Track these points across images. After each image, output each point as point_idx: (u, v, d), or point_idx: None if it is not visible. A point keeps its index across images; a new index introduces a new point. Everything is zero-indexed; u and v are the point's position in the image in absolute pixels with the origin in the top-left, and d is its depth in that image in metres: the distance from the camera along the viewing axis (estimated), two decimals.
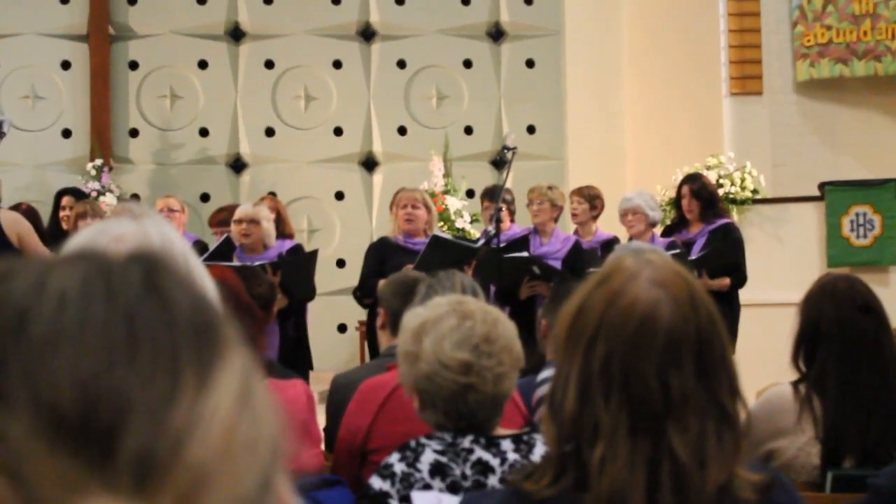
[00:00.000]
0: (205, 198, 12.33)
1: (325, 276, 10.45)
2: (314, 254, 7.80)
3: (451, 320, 2.86)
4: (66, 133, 12.51)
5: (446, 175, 11.81)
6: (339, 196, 12.61)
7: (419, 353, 2.85)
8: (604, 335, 1.77)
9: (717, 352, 1.82)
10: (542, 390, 4.20)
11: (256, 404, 0.70)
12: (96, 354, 0.66)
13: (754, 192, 10.78)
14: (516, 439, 2.88)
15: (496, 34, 12.86)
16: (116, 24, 12.57)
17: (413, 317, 2.93)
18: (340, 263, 12.26)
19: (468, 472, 2.81)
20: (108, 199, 11.34)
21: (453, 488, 2.78)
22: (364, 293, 7.64)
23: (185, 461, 0.66)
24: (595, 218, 8.70)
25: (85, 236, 1.77)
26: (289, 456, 0.72)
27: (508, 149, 8.34)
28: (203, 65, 12.62)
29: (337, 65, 12.73)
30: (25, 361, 0.66)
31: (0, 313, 0.67)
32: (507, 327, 2.90)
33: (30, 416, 0.64)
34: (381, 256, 7.71)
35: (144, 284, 0.69)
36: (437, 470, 2.80)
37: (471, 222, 11.26)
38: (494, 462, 2.83)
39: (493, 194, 9.08)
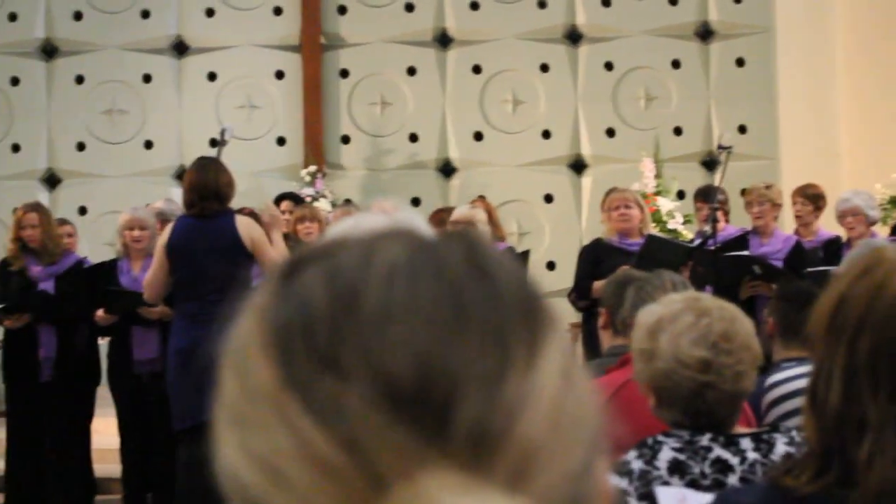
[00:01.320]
0: (415, 202, 12.47)
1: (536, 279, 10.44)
2: (526, 254, 7.82)
3: (688, 317, 2.82)
4: (281, 141, 12.82)
5: (657, 176, 11.71)
6: (549, 199, 12.61)
7: (655, 351, 2.83)
8: (869, 328, 1.73)
9: None
10: (774, 394, 4.12)
11: (578, 383, 0.70)
12: (428, 329, 0.67)
13: None
14: (756, 438, 2.83)
15: (705, 33, 12.69)
16: (328, 34, 12.83)
17: (648, 314, 2.91)
18: (551, 266, 12.25)
19: (707, 470, 2.77)
20: (322, 205, 11.56)
21: (692, 486, 2.75)
22: (580, 295, 7.63)
23: (516, 435, 0.66)
24: (817, 217, 8.53)
25: (340, 231, 1.80)
26: (606, 438, 0.72)
27: (724, 148, 8.22)
28: (412, 71, 12.78)
29: (544, 68, 12.73)
30: (361, 335, 0.67)
31: (332, 288, 0.68)
32: (744, 324, 2.85)
33: (367, 389, 0.65)
34: (596, 258, 7.69)
35: (468, 262, 0.70)
36: (676, 468, 2.77)
37: (683, 223, 11.13)
38: (734, 461, 2.79)
39: (706, 195, 8.97)
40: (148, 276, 7.18)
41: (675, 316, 2.83)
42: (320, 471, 0.65)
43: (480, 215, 7.78)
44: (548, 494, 0.65)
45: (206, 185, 6.85)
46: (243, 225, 6.94)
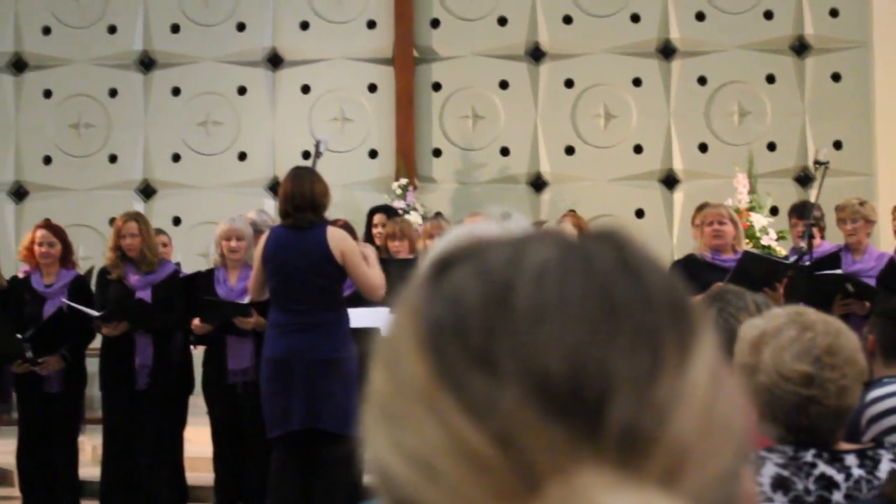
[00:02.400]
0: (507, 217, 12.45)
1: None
2: None
3: (791, 331, 2.80)
4: (373, 153, 12.89)
5: (751, 192, 11.60)
6: (640, 214, 12.55)
7: (757, 365, 2.80)
8: None
9: None
10: (874, 410, 4.07)
11: (726, 386, 0.71)
12: (580, 328, 0.67)
13: None
14: (861, 454, 2.79)
15: (800, 48, 12.57)
16: (420, 48, 12.88)
17: (750, 328, 2.88)
18: None
19: (811, 486, 2.74)
20: (413, 217, 11.60)
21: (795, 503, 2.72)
22: None
23: (668, 436, 0.66)
24: None
25: (451, 239, 1.82)
26: (751, 442, 0.72)
27: (820, 164, 8.14)
28: (504, 85, 12.79)
29: (637, 82, 12.68)
30: (514, 333, 0.67)
31: (484, 286, 0.69)
32: (849, 338, 2.82)
33: (520, 386, 0.66)
34: (689, 274, 7.62)
35: (618, 262, 0.71)
36: (780, 484, 2.74)
37: (777, 239, 11.02)
38: (839, 477, 2.75)
39: (801, 211, 8.87)
40: (250, 283, 7.28)
41: (779, 330, 2.81)
42: (473, 466, 0.66)
43: (570, 230, 7.75)
44: (699, 495, 0.66)
45: (302, 195, 6.87)
46: (334, 238, 6.96)
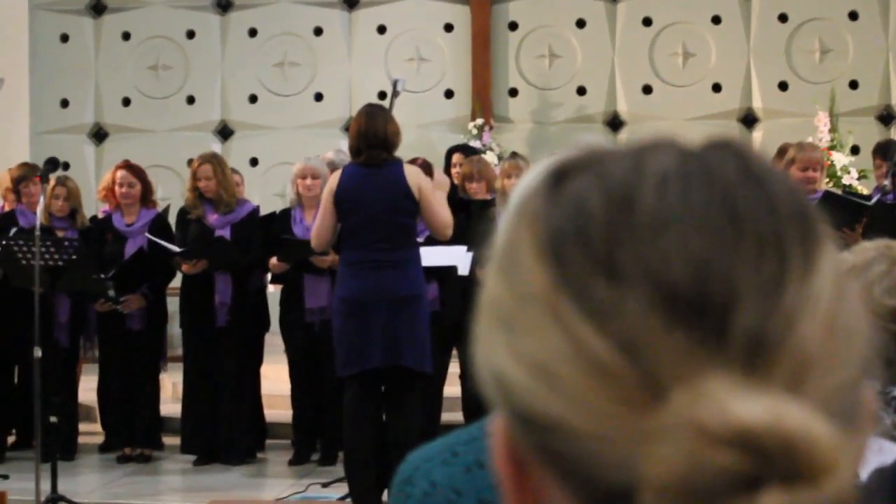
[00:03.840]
0: None
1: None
2: None
3: (881, 266, 2.75)
4: (449, 94, 12.87)
5: (832, 130, 11.45)
6: None
7: None
8: None
9: None
10: None
11: (850, 295, 0.70)
12: (705, 235, 0.67)
13: None
14: None
15: None
16: None
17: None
18: None
19: None
20: (489, 157, 11.58)
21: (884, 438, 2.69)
22: None
23: (794, 343, 0.66)
24: None
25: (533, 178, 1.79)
26: (875, 357, 0.71)
27: None
28: (581, 24, 12.70)
29: (716, 20, 12.54)
30: (637, 240, 0.67)
31: (606, 194, 0.69)
32: None
33: (645, 293, 0.66)
34: None
35: (739, 170, 0.70)
36: None
37: (858, 179, 10.88)
38: None
39: (885, 151, 8.76)
40: (315, 224, 7.19)
41: (868, 264, 2.77)
42: (595, 373, 0.66)
43: None
44: (823, 402, 0.65)
45: (375, 133, 6.83)
46: (412, 173, 6.94)
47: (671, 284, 0.65)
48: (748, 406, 0.63)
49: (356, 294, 6.79)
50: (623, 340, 0.65)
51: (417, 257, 6.95)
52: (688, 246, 0.66)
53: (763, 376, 0.65)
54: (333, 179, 6.99)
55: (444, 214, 6.92)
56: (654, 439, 0.63)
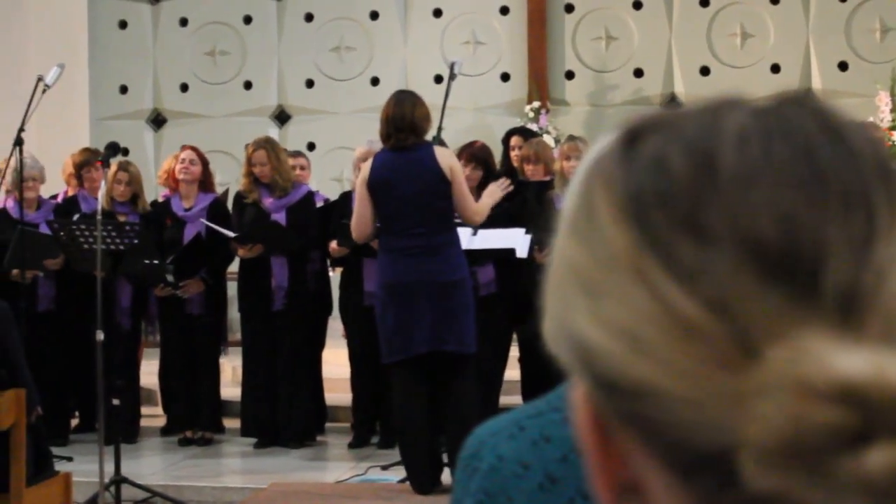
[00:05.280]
0: None
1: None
2: None
3: None
4: (505, 76, 12.83)
5: (893, 110, 11.32)
6: None
7: None
8: None
9: None
10: None
11: None
12: (790, 191, 0.66)
13: None
14: None
15: None
16: None
17: None
18: None
19: None
20: (546, 141, 11.55)
21: None
22: None
23: (886, 296, 0.65)
24: None
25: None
26: None
27: None
28: (637, 5, 12.62)
29: (773, 0, 12.41)
30: (722, 198, 0.66)
31: (687, 152, 0.68)
32: None
33: (733, 251, 0.65)
34: None
35: (818, 124, 0.69)
36: None
37: None
38: None
39: None
40: (353, 217, 7.14)
41: None
42: (685, 334, 0.65)
43: None
44: None
45: (403, 118, 6.86)
46: (443, 155, 6.95)
47: (760, 241, 0.65)
48: (850, 360, 0.62)
49: (397, 280, 6.79)
50: (712, 299, 0.64)
51: (456, 240, 6.93)
52: (774, 202, 0.65)
53: (859, 331, 0.64)
54: (365, 168, 7.00)
55: (472, 201, 6.94)
56: (752, 399, 0.62)
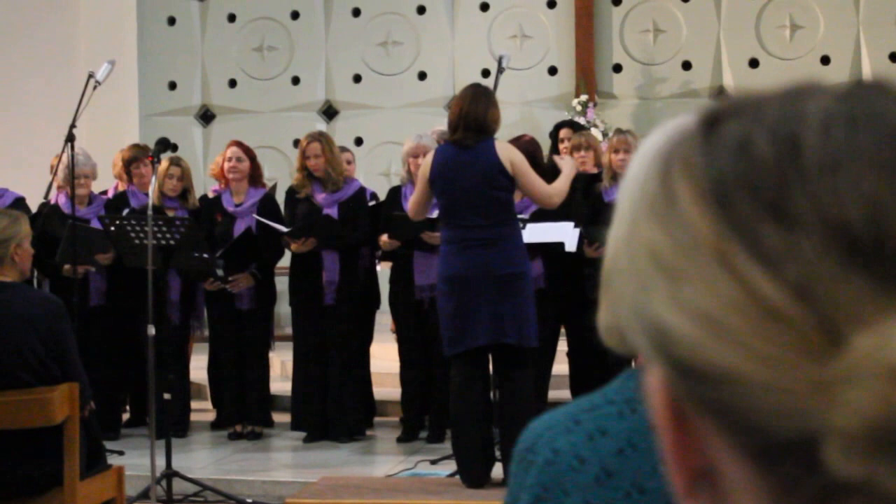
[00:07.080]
0: None
1: None
2: None
3: None
4: (552, 70, 12.81)
5: None
6: None
7: None
8: None
9: None
10: None
11: None
12: (876, 176, 0.65)
13: None
14: None
15: None
16: None
17: None
18: None
19: None
20: (594, 134, 11.52)
21: None
22: None
23: None
24: None
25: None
26: None
27: None
28: None
29: None
30: (807, 183, 0.66)
31: (770, 136, 0.68)
32: None
33: (819, 236, 0.64)
34: None
35: None
36: None
37: None
38: None
39: None
40: (411, 200, 7.22)
41: None
42: (769, 319, 0.64)
43: None
44: None
45: (476, 117, 6.79)
46: (503, 149, 6.92)
47: (845, 226, 0.64)
48: None
49: (457, 272, 6.78)
50: (798, 285, 0.64)
51: (517, 233, 6.92)
52: (861, 187, 0.65)
53: None
54: (427, 160, 7.00)
55: (542, 185, 6.90)
56: (838, 386, 0.62)
